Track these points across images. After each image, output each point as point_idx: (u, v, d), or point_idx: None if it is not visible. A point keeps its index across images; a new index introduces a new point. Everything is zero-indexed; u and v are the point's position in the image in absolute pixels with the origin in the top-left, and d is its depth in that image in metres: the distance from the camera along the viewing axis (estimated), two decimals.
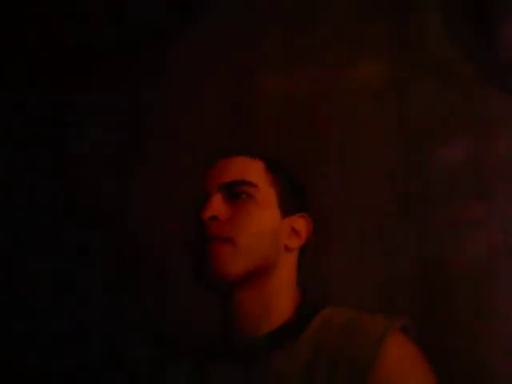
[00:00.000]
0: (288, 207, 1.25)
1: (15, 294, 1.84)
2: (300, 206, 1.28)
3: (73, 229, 1.86)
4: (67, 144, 1.92)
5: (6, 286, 1.83)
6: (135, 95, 1.91)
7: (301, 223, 1.26)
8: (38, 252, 1.84)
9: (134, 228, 1.86)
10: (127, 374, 1.71)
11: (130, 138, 1.91)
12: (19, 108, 1.92)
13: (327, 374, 1.11)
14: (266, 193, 1.23)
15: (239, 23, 1.89)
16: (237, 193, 1.21)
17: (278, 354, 1.16)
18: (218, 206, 1.19)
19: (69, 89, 1.92)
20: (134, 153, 1.90)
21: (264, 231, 1.20)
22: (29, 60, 1.93)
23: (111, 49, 1.91)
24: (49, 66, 1.93)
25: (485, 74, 1.73)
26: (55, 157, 1.91)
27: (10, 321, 1.81)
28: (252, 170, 1.23)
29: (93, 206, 1.89)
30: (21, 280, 1.85)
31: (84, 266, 1.83)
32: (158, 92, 1.90)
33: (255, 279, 1.19)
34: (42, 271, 1.83)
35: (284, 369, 1.15)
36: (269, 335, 1.19)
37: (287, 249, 1.24)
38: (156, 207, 1.84)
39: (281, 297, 1.22)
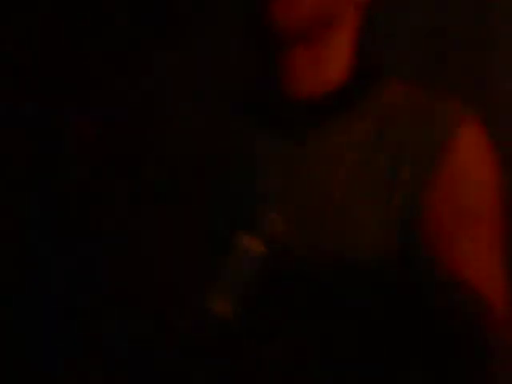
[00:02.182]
0: None
1: (15, 294, 1.83)
2: None
3: (72, 228, 1.85)
4: (67, 144, 1.93)
5: (7, 285, 1.83)
6: (135, 94, 1.92)
7: None
8: (38, 252, 1.84)
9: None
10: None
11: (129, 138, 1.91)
12: (19, 108, 1.92)
13: (391, 155, 1.01)
14: None
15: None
16: None
17: (333, 123, 1.05)
18: None
19: (69, 88, 1.92)
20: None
21: None
22: (29, 60, 1.94)
23: (111, 48, 1.92)
24: (49, 65, 1.93)
25: None
26: (55, 157, 1.91)
27: (9, 321, 1.80)
28: None
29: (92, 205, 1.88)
30: (21, 280, 1.84)
31: (84, 265, 1.82)
32: (157, 91, 1.91)
33: (313, 35, 1.06)
34: (42, 271, 1.83)
35: (339, 140, 1.03)
36: (323, 97, 1.06)
37: (355, 3, 1.09)
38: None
39: (339, 59, 1.08)
